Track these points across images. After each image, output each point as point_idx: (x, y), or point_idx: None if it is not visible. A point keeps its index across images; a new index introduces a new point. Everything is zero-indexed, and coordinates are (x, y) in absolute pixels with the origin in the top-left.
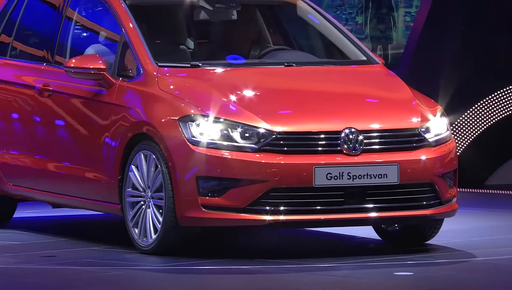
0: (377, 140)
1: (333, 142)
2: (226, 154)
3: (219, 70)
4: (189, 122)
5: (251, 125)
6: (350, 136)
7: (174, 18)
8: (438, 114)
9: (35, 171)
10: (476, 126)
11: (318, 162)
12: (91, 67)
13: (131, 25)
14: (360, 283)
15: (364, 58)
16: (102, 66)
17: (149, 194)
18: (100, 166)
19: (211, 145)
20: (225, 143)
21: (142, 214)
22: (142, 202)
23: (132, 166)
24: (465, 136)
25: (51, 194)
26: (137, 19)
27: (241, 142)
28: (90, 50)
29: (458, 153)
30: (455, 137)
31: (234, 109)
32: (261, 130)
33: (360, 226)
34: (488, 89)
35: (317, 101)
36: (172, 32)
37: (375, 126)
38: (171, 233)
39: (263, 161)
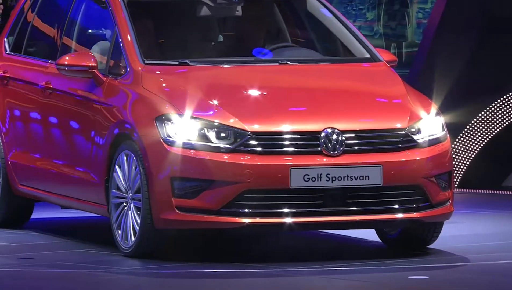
0: (359, 141)
1: (313, 143)
2: (200, 154)
3: (207, 68)
4: (165, 122)
5: (226, 125)
6: (330, 137)
7: (181, 14)
8: (432, 113)
9: (38, 170)
10: (493, 126)
11: (294, 163)
12: (82, 64)
13: (123, 21)
14: (375, 287)
15: (368, 55)
16: (92, 64)
17: (130, 195)
18: (89, 166)
19: (186, 145)
20: (200, 143)
21: (124, 216)
22: (124, 204)
23: (116, 167)
24: (481, 135)
25: (51, 194)
26: (142, 16)
27: (216, 142)
28: (95, 48)
29: (474, 153)
30: (472, 136)
31: (211, 108)
32: (236, 130)
33: (342, 229)
34: (505, 88)
35: (301, 100)
36: (183, 28)
37: (358, 126)
38: (148, 235)
39: (236, 162)
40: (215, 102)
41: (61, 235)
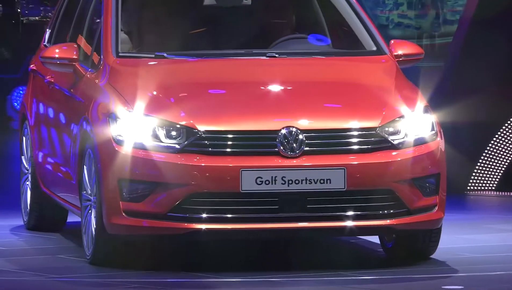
0: (321, 141)
1: (269, 143)
2: (148, 155)
3: (180, 62)
4: (117, 119)
5: (176, 123)
6: (288, 136)
7: (188, 4)
8: (418, 110)
9: (47, 172)
10: None
11: (246, 165)
12: (63, 57)
13: (109, 12)
14: None
15: (374, 48)
16: (73, 57)
17: (92, 197)
18: (69, 166)
19: (136, 145)
20: (150, 142)
21: (88, 220)
22: (89, 207)
23: (84, 167)
24: None
25: (58, 197)
26: (150, 5)
27: (166, 142)
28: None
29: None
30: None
31: (164, 105)
32: (185, 129)
33: (301, 236)
34: None
35: (264, 96)
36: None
37: (321, 125)
38: (102, 242)
39: (182, 163)
40: (170, 99)
41: (52, 240)
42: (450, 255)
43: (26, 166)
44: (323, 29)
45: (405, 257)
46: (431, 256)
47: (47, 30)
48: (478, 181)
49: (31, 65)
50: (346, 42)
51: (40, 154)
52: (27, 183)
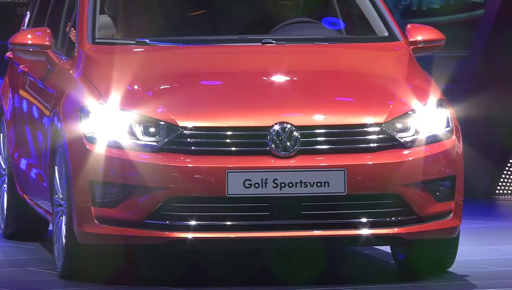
0: (318, 139)
1: (259, 141)
2: (123, 154)
3: (163, 49)
4: (89, 114)
5: (155, 119)
6: (281, 133)
7: None
8: (431, 104)
9: (23, 174)
10: None
11: (233, 166)
12: (34, 43)
13: None
14: None
15: (386, 34)
16: (46, 43)
17: (64, 202)
18: (41, 167)
19: (110, 143)
20: (125, 140)
21: (60, 228)
22: (60, 213)
23: (55, 167)
24: None
25: (32, 202)
26: None
27: (144, 140)
28: None
29: None
30: None
31: (142, 98)
32: (165, 125)
33: (295, 247)
34: None
35: (255, 89)
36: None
37: (319, 121)
38: (72, 252)
39: (161, 164)
40: (149, 91)
41: (28, 250)
42: (470, 269)
43: (4, 166)
44: (335, 12)
45: (419, 270)
46: (449, 270)
47: (27, 13)
48: (507, 184)
49: (8, 53)
50: (357, 28)
51: (16, 154)
52: (4, 185)
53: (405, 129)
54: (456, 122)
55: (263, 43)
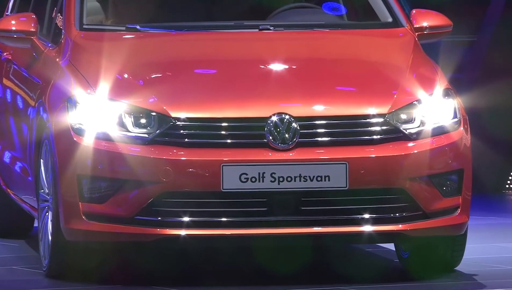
0: (318, 131)
1: (256, 133)
2: (112, 146)
3: (154, 35)
4: (76, 104)
5: (146, 109)
6: (279, 125)
7: None
8: (437, 94)
9: (6, 168)
10: None
11: (228, 159)
12: (20, 30)
13: None
14: None
15: (390, 19)
16: (31, 30)
17: (50, 197)
18: (26, 160)
19: (98, 135)
20: (115, 132)
21: (46, 224)
22: (46, 208)
23: (41, 160)
24: None
25: (16, 197)
26: None
27: (134, 131)
28: None
29: None
30: None
31: (133, 88)
32: (157, 116)
33: (294, 244)
34: None
35: (252, 78)
36: None
37: (319, 111)
38: (58, 249)
39: (152, 157)
40: (140, 80)
41: (12, 248)
42: (479, 267)
43: None
44: None
45: (425, 269)
46: (456, 268)
47: None
48: None
49: None
50: (359, 13)
51: (0, 146)
52: None
53: (410, 120)
54: (464, 112)
55: (260, 30)
